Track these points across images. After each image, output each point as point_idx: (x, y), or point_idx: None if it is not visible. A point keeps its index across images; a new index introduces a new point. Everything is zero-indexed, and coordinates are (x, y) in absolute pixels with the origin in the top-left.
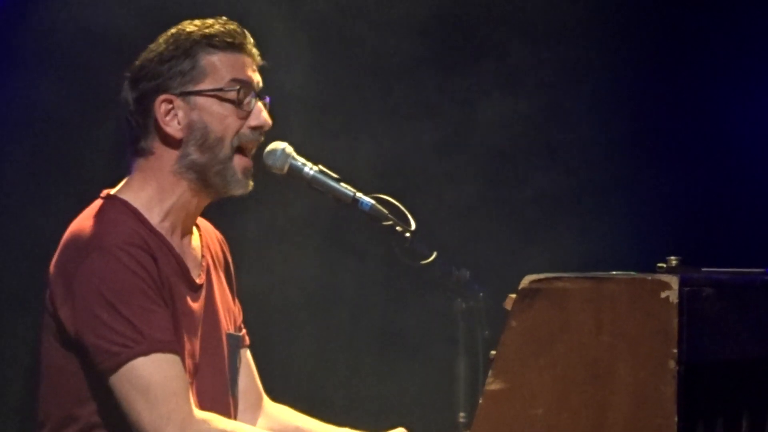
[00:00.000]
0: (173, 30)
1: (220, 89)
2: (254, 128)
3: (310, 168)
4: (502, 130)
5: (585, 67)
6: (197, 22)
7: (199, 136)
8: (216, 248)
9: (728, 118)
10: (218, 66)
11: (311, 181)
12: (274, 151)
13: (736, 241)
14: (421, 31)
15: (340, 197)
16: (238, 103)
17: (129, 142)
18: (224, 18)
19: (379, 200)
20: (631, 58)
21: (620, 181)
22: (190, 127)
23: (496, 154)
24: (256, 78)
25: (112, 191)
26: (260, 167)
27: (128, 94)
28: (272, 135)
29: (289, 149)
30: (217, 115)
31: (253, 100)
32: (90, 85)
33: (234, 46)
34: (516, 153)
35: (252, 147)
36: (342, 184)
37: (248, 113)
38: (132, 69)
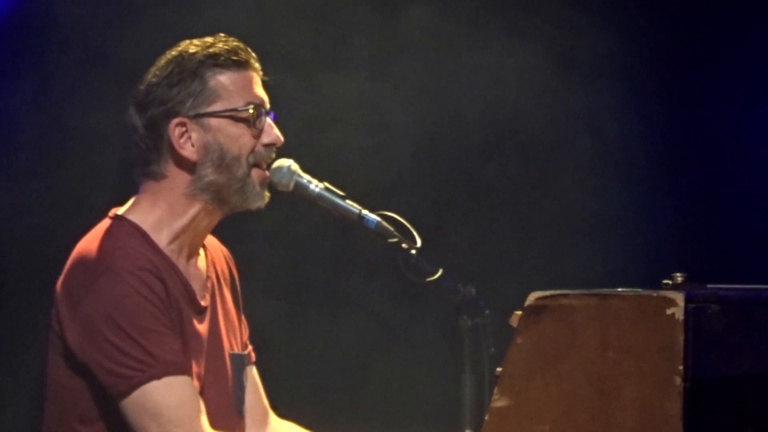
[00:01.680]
0: (174, 52)
1: (235, 110)
2: (267, 145)
3: (315, 185)
4: (508, 150)
5: (587, 88)
6: (197, 41)
7: (216, 157)
8: (222, 265)
9: (736, 132)
10: (229, 86)
11: (317, 199)
12: (279, 168)
13: (742, 257)
14: None
15: (345, 214)
16: (252, 123)
17: (138, 164)
18: (223, 35)
19: (384, 217)
20: (642, 76)
21: (626, 199)
22: (205, 148)
23: (503, 173)
24: (264, 94)
25: (120, 211)
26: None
27: (136, 119)
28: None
29: (295, 166)
30: (232, 135)
31: (265, 118)
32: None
33: (240, 63)
34: (521, 173)
35: (266, 163)
36: (347, 201)
37: (261, 131)
38: (137, 94)
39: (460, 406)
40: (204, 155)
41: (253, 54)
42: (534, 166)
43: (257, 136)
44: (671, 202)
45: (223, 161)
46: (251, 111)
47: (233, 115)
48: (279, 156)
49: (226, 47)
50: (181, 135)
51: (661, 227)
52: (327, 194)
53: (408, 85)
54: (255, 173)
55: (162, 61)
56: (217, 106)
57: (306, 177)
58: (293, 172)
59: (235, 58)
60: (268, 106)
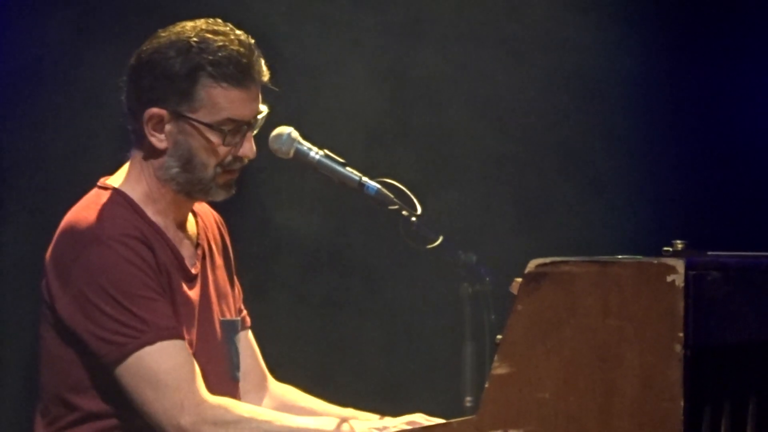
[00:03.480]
0: (184, 37)
1: (210, 125)
2: (237, 158)
3: (315, 152)
4: (509, 117)
5: (589, 59)
6: (209, 34)
7: (183, 156)
8: (214, 231)
9: (735, 102)
10: (216, 101)
11: (317, 166)
12: (279, 135)
13: (743, 225)
14: None
15: (346, 181)
16: (226, 139)
17: (128, 129)
18: (236, 33)
19: (384, 184)
20: (634, 48)
21: (626, 166)
22: (175, 145)
23: (503, 139)
24: (253, 110)
25: (109, 180)
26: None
27: (128, 86)
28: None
29: (295, 134)
30: (204, 144)
31: (245, 133)
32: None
33: (237, 79)
34: (522, 139)
35: (235, 171)
36: (348, 168)
37: (235, 144)
38: (136, 60)
39: (461, 374)
40: (173, 149)
41: (260, 59)
42: (533, 135)
43: (230, 148)
44: (672, 169)
45: (190, 163)
46: (229, 130)
47: (208, 130)
48: (279, 124)
49: (229, 59)
50: (155, 125)
51: (662, 194)
52: (327, 161)
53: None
54: (221, 178)
55: (171, 36)
56: (198, 115)
57: (306, 144)
58: (293, 140)
59: (234, 73)
60: (254, 118)
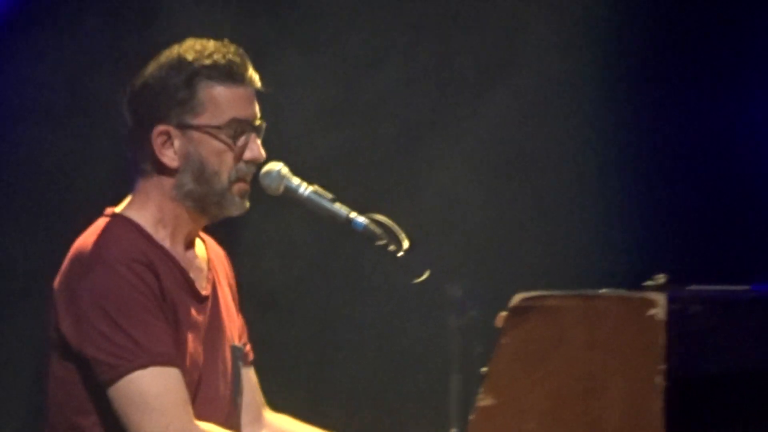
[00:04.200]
0: (175, 54)
1: (218, 127)
2: (249, 161)
3: (305, 188)
4: (494, 144)
5: (573, 82)
6: (198, 46)
7: (196, 168)
8: (222, 260)
9: (715, 130)
10: (218, 101)
11: (306, 202)
12: (269, 172)
13: (723, 257)
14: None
15: (334, 217)
16: (234, 140)
17: (130, 159)
18: (225, 42)
19: (372, 220)
20: (618, 71)
21: (609, 198)
22: (186, 158)
23: (484, 173)
24: (254, 110)
25: (117, 209)
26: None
27: (127, 115)
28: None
29: (285, 170)
30: (214, 150)
31: (250, 135)
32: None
33: (234, 78)
34: (506, 170)
35: (248, 178)
36: (336, 204)
37: (243, 147)
38: (132, 88)
39: (447, 405)
40: (185, 164)
41: (250, 66)
42: (513, 170)
43: (240, 152)
44: (653, 202)
45: (203, 174)
46: (236, 130)
47: (216, 132)
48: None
49: (223, 60)
50: (164, 143)
51: (644, 227)
52: (316, 197)
53: None
54: (236, 187)
55: (161, 59)
56: (202, 120)
57: (295, 180)
58: (282, 177)
59: (230, 72)
60: (257, 122)
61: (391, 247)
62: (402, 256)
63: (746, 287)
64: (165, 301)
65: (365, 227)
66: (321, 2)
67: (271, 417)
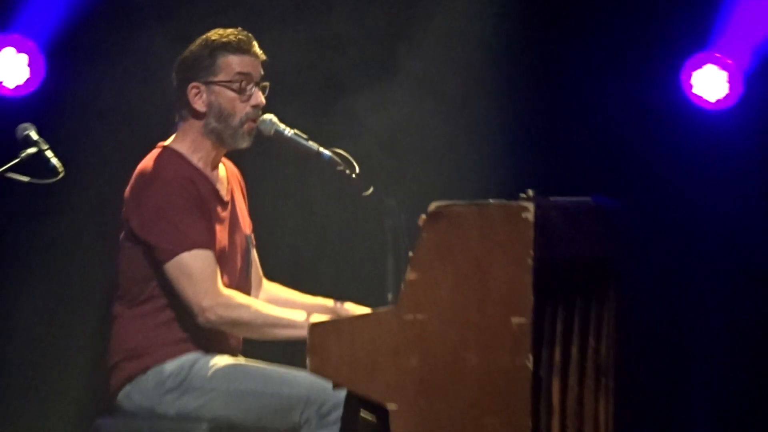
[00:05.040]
0: (204, 37)
1: (229, 81)
2: (254, 107)
3: (288, 131)
4: (418, 90)
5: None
6: (221, 31)
7: (217, 111)
8: (237, 177)
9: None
10: (230, 64)
11: (289, 140)
12: (263, 120)
13: (574, 176)
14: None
15: (307, 151)
16: (240, 91)
17: (175, 108)
18: (239, 30)
19: (335, 153)
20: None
21: (501, 128)
22: (210, 105)
23: (410, 102)
24: (256, 71)
25: (165, 143)
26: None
27: (173, 79)
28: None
29: (275, 119)
30: (229, 98)
31: (253, 88)
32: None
33: (241, 50)
34: (405, 102)
35: (255, 120)
36: (310, 141)
37: (249, 97)
38: (178, 60)
39: (385, 279)
40: (209, 109)
41: (256, 43)
42: (412, 96)
43: (247, 100)
44: (530, 131)
45: (222, 115)
46: (241, 83)
47: (228, 85)
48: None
49: (236, 39)
50: (195, 95)
51: (523, 157)
52: (295, 137)
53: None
54: (246, 126)
55: (198, 40)
56: (219, 78)
57: (282, 126)
58: (273, 123)
59: (239, 46)
60: (258, 78)
61: (347, 171)
62: (355, 177)
63: (588, 198)
64: (202, 205)
65: (330, 158)
66: None
67: (267, 285)
